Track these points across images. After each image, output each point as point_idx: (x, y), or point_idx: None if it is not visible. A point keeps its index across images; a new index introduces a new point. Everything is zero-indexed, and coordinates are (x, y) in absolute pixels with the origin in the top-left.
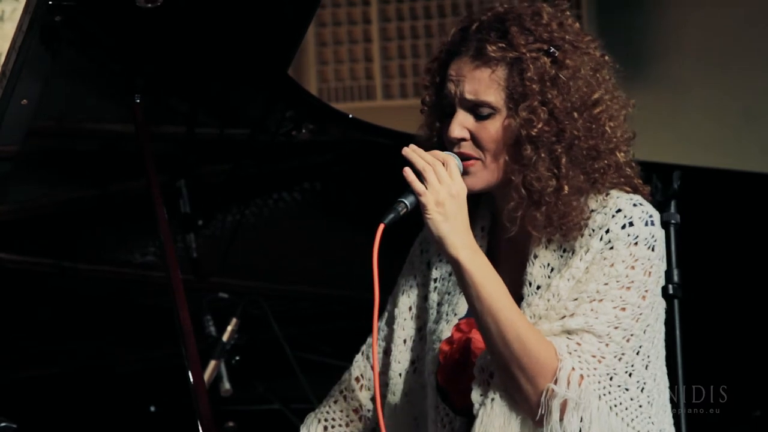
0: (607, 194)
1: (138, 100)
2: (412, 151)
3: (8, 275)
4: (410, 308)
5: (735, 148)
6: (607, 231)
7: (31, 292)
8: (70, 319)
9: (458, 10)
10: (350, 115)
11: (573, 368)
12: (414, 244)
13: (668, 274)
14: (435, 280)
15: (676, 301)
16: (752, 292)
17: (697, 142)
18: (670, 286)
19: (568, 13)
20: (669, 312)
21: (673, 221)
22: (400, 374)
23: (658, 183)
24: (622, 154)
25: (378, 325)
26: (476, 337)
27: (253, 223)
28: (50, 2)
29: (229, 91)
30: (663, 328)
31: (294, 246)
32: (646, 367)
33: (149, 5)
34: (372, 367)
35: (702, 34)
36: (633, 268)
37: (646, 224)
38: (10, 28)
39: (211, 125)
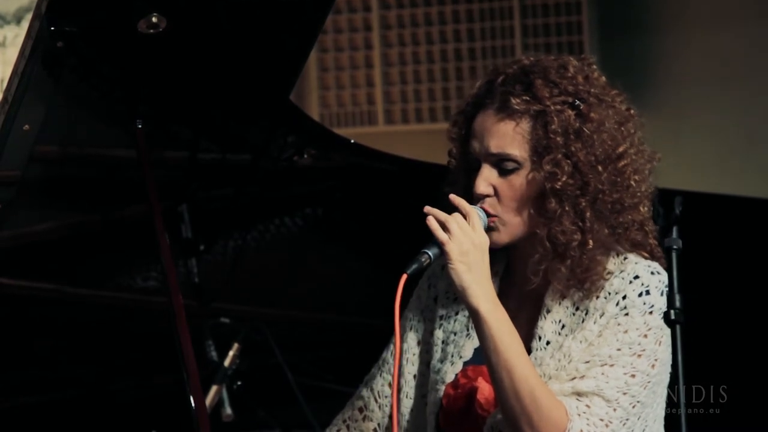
0: (625, 258)
1: (140, 126)
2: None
3: (9, 301)
4: (419, 343)
5: (737, 172)
6: (624, 297)
7: (32, 318)
8: (71, 344)
9: (460, 37)
10: (352, 141)
11: (581, 430)
12: (422, 278)
13: (670, 299)
14: (441, 317)
15: (678, 327)
16: (754, 318)
17: (699, 167)
18: (672, 311)
19: (594, 66)
20: (671, 338)
21: (675, 246)
22: (411, 410)
23: (660, 208)
24: (645, 209)
25: (398, 364)
26: (481, 386)
27: (255, 248)
28: (52, 28)
29: (230, 117)
30: (665, 393)
31: (296, 271)
32: (644, 431)
33: (151, 32)
34: (375, 399)
35: (703, 58)
36: (646, 336)
37: (662, 294)
38: (12, 54)
39: (212, 151)
